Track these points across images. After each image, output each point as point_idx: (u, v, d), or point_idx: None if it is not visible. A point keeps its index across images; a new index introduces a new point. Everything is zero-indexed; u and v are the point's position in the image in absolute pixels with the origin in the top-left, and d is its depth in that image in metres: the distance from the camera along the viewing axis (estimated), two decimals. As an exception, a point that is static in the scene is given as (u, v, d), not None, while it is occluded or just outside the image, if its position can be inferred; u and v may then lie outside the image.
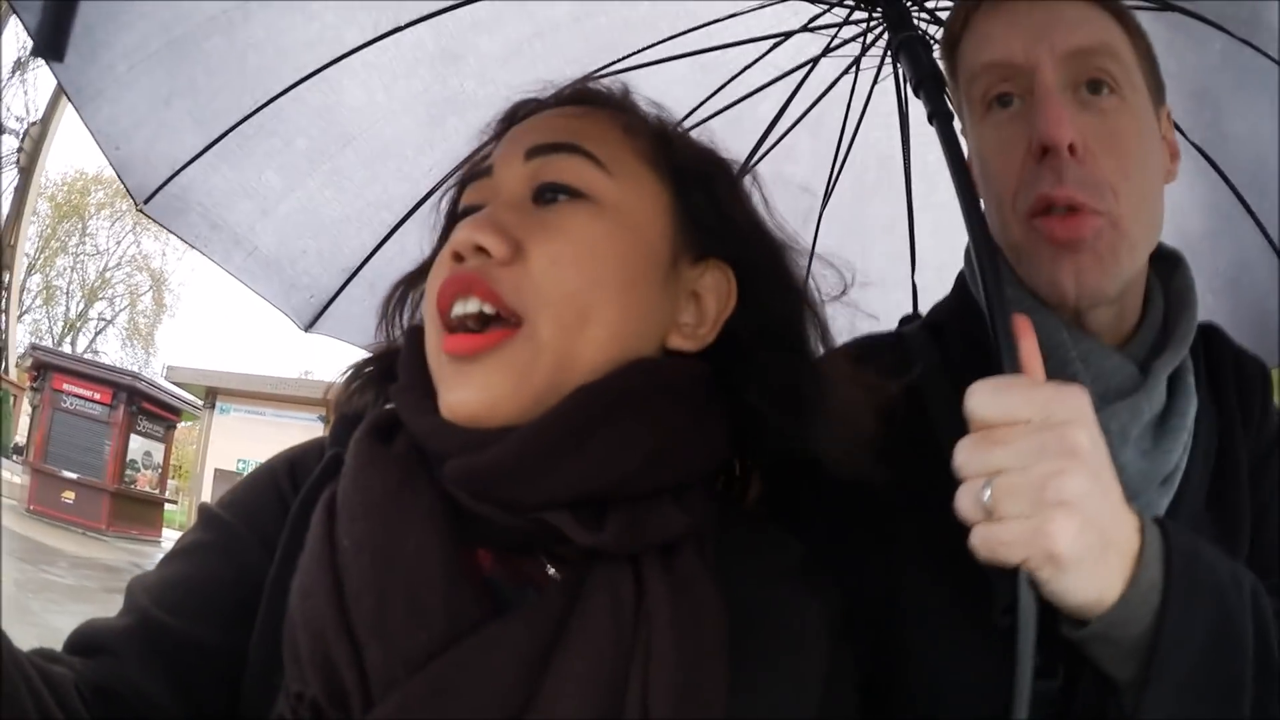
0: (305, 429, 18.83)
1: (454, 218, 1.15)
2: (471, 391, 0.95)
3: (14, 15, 1.48)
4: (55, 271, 38.31)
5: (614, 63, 2.01)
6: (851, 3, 1.85)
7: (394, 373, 1.11)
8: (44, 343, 33.35)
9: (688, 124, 1.98)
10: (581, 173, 1.03)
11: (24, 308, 34.99)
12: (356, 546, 0.88)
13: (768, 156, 2.24)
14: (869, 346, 1.37)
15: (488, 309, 0.96)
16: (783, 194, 2.11)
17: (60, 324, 38.53)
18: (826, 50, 2.01)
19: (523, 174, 1.05)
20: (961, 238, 1.26)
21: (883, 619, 1.20)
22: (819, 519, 1.19)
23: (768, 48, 2.06)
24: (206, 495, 18.63)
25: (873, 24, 1.91)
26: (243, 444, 18.98)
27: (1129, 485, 1.08)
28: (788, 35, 2.03)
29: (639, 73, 1.97)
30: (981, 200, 1.31)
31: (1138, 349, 1.29)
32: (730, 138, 1.94)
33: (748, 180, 1.20)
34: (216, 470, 18.96)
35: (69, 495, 19.51)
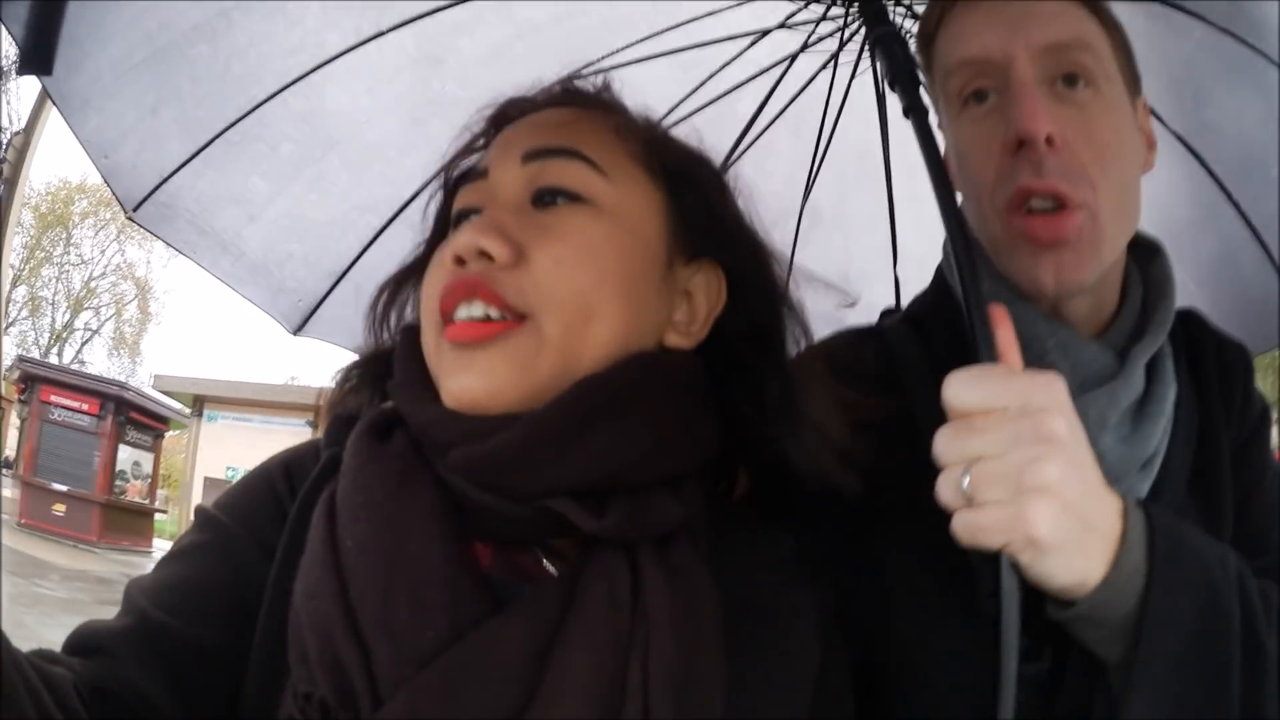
0: (293, 434, 18.76)
1: (446, 219, 1.17)
2: (475, 377, 0.96)
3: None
4: (40, 282, 38.16)
5: (595, 62, 2.00)
6: (826, 0, 1.86)
7: (388, 373, 1.12)
8: (31, 354, 33.24)
9: (669, 121, 2.02)
10: (579, 177, 1.05)
11: (10, 320, 34.84)
12: (359, 547, 0.90)
13: (749, 152, 2.26)
14: (851, 340, 1.39)
15: (493, 312, 0.97)
16: (765, 189, 2.13)
17: (47, 335, 38.38)
18: (804, 46, 2.03)
19: (520, 177, 1.06)
20: (942, 230, 1.27)
21: (870, 607, 1.22)
22: (804, 512, 1.20)
23: (747, 44, 2.07)
24: (196, 504, 18.56)
25: (849, 19, 1.93)
26: (231, 451, 18.93)
27: (1109, 470, 1.10)
28: (765, 33, 2.04)
29: (620, 71, 1.99)
30: (960, 195, 1.33)
31: (1116, 337, 1.30)
32: (711, 134, 1.96)
33: (731, 182, 1.22)
34: (206, 478, 18.90)
35: (59, 508, 19.43)
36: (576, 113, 1.15)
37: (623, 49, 2.04)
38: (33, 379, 20.93)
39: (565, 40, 2.00)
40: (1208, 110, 1.98)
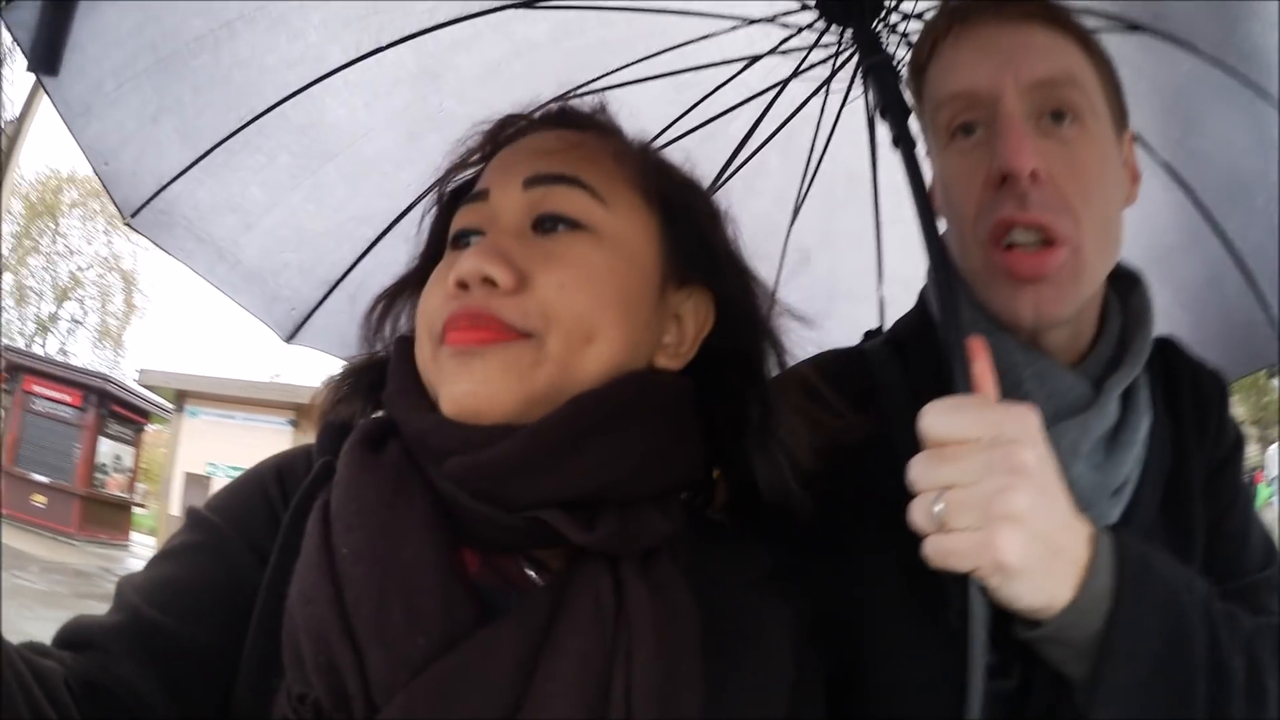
0: (275, 432, 18.62)
1: (440, 233, 1.20)
2: (474, 383, 0.98)
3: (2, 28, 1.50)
4: (27, 271, 37.84)
5: (591, 81, 2.03)
6: (821, 26, 1.88)
7: (379, 382, 1.15)
8: (15, 343, 32.98)
9: (661, 141, 2.03)
10: (580, 205, 1.08)
11: (-3, 308, 34.62)
12: (354, 555, 0.92)
13: (739, 172, 2.28)
14: (834, 362, 1.41)
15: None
16: (754, 208, 2.15)
17: (32, 324, 38.08)
18: (796, 72, 2.05)
19: (521, 202, 1.09)
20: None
21: (843, 623, 1.25)
22: (781, 528, 1.23)
23: (740, 68, 2.09)
24: (176, 499, 18.42)
25: (842, 47, 1.94)
26: (212, 447, 18.74)
27: (1081, 497, 1.14)
28: (754, 59, 2.07)
29: (615, 91, 2.01)
30: (944, 224, 1.35)
31: (1092, 366, 1.33)
32: (703, 154, 1.99)
33: (722, 210, 1.24)
34: (186, 474, 18.72)
35: (39, 499, 19.33)
36: (575, 136, 1.17)
37: (618, 69, 2.06)
38: (16, 368, 20.76)
39: (562, 60, 2.02)
40: (1195, 139, 2.01)
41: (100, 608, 1.03)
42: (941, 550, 1.02)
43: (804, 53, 1.99)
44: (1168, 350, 1.46)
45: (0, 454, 19.16)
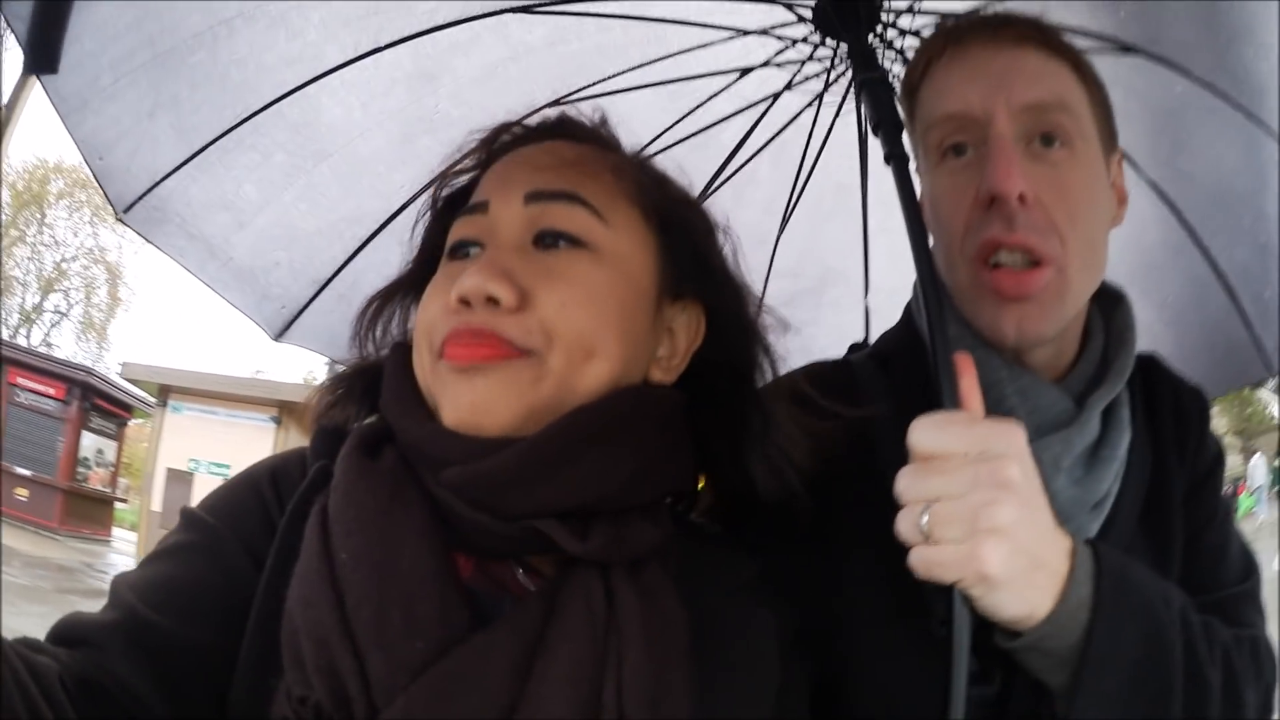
0: (257, 429, 18.57)
1: (434, 238, 1.21)
2: (477, 398, 1.00)
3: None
4: (12, 261, 37.61)
5: (585, 87, 2.05)
6: (816, 39, 1.89)
7: (372, 387, 1.16)
8: (-1, 335, 32.85)
9: (654, 148, 2.04)
10: (581, 222, 1.09)
11: (-21, 300, 34.43)
12: (354, 560, 0.93)
13: (729, 181, 2.30)
14: (820, 373, 1.42)
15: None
16: (743, 216, 2.16)
17: (16, 315, 37.87)
18: (789, 85, 2.07)
19: (522, 216, 1.09)
20: (914, 264, 1.31)
21: (828, 630, 1.25)
22: (768, 536, 1.25)
23: (734, 78, 2.10)
24: (158, 495, 18.35)
25: (837, 61, 1.96)
26: (195, 443, 18.65)
27: (1061, 510, 1.17)
28: (746, 71, 2.08)
29: (609, 98, 2.02)
30: (931, 240, 1.37)
31: (1075, 383, 1.35)
32: (694, 162, 2.00)
33: (718, 226, 1.25)
34: (168, 469, 18.65)
35: (22, 493, 19.23)
36: (574, 149, 1.18)
37: (613, 76, 2.07)
38: (0, 360, 20.67)
39: (558, 64, 2.04)
40: (1184, 159, 2.03)
41: (83, 603, 1.03)
42: (927, 561, 1.04)
43: (798, 65, 2.01)
44: (1150, 367, 1.48)
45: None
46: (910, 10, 1.80)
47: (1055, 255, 1.26)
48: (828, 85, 2.05)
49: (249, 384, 20.43)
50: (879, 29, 1.81)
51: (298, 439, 18.13)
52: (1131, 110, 1.75)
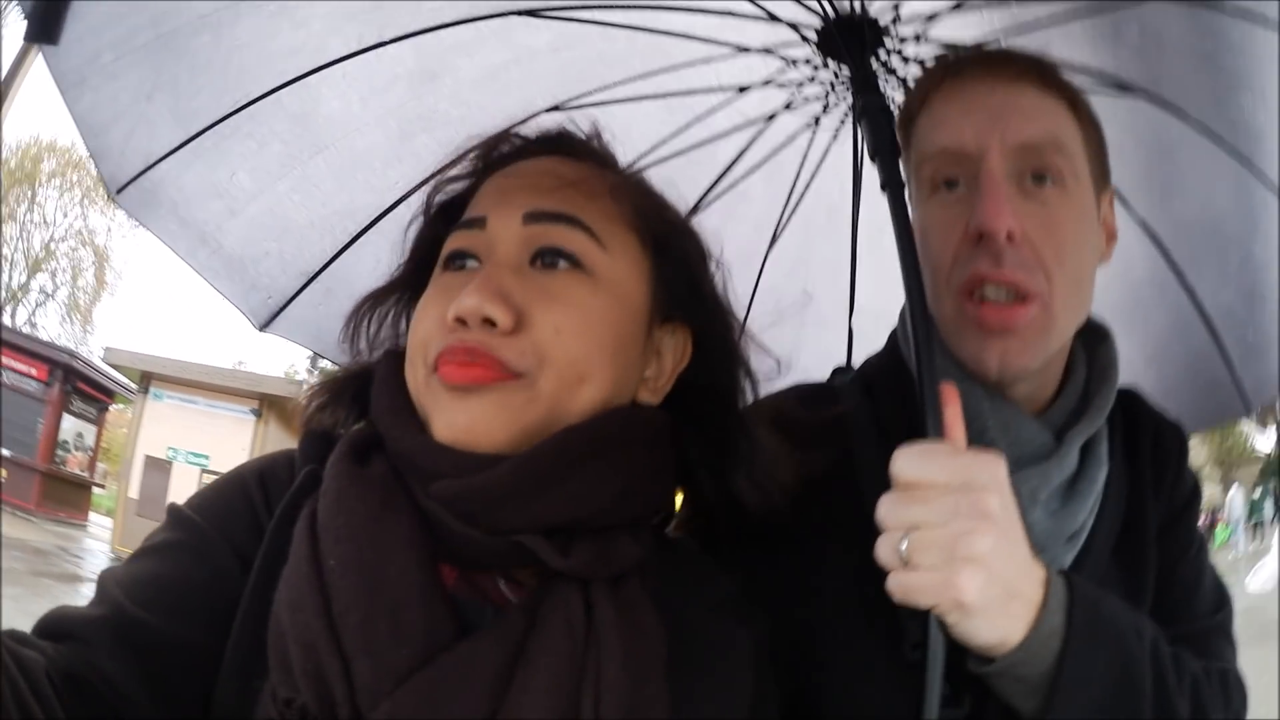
0: (236, 420, 18.57)
1: (426, 244, 1.22)
2: (470, 418, 1.01)
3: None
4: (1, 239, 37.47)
5: (586, 94, 2.06)
6: (818, 61, 1.90)
7: (362, 393, 1.17)
8: (-17, 313, 32.73)
9: (648, 160, 2.04)
10: (580, 245, 1.10)
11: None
12: (342, 567, 0.94)
13: (722, 197, 2.30)
14: (805, 396, 1.44)
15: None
16: (733, 233, 2.16)
17: (3, 293, 37.70)
18: (788, 105, 2.07)
19: (520, 235, 1.10)
20: (900, 287, 1.32)
21: (802, 649, 1.27)
22: (745, 554, 1.28)
23: (734, 94, 2.11)
24: (136, 481, 18.31)
25: (838, 84, 1.97)
26: (174, 432, 18.62)
27: (1036, 541, 1.19)
28: (745, 89, 2.08)
29: (608, 107, 2.03)
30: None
31: (1056, 416, 1.36)
32: (689, 174, 2.01)
33: (710, 253, 1.27)
34: (147, 457, 18.60)
35: (1, 473, 19.14)
36: (573, 168, 1.18)
37: (613, 85, 2.07)
38: (-15, 340, 20.61)
39: (559, 71, 2.04)
40: (1175, 200, 2.05)
41: (57, 587, 1.03)
42: (905, 585, 1.06)
43: (799, 86, 2.02)
44: (1131, 402, 1.50)
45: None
46: (916, 39, 1.81)
47: (1041, 291, 1.27)
48: (827, 108, 2.05)
49: (231, 375, 20.42)
50: (882, 55, 1.81)
51: (277, 431, 18.23)
52: (1126, 149, 1.76)
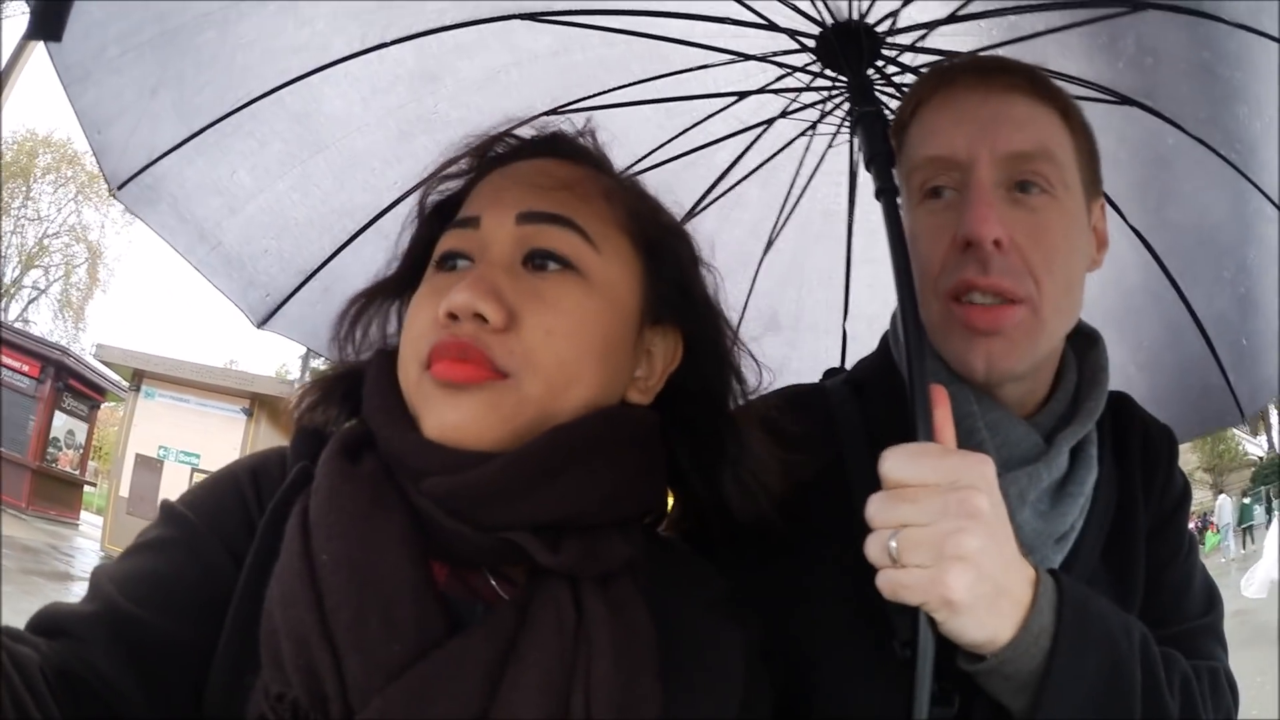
0: (227, 419, 18.46)
1: (421, 244, 1.23)
2: (460, 417, 1.02)
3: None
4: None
5: (585, 98, 2.07)
6: (816, 69, 1.91)
7: (353, 391, 1.18)
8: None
9: (648, 163, 2.06)
10: (573, 247, 1.11)
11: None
12: (334, 563, 0.95)
13: (718, 201, 2.32)
14: (795, 398, 1.44)
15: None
16: (729, 237, 2.17)
17: (-2, 289, 37.59)
18: (784, 113, 2.09)
19: (513, 235, 1.11)
20: (893, 292, 1.33)
21: (792, 646, 1.28)
22: (736, 553, 1.29)
23: (731, 101, 2.12)
24: (126, 480, 18.21)
25: (833, 93, 1.98)
26: (165, 430, 18.49)
27: (1026, 541, 1.21)
28: (743, 95, 2.09)
29: (606, 111, 2.02)
30: None
31: (1046, 420, 1.38)
32: (686, 179, 2.02)
33: (702, 256, 1.28)
34: (137, 455, 18.50)
35: (-6, 471, 19.04)
36: (567, 170, 1.19)
37: (612, 90, 2.08)
38: (-23, 336, 20.52)
39: (559, 74, 2.06)
40: (1170, 209, 2.07)
41: (47, 585, 1.03)
42: (893, 583, 1.07)
43: (796, 93, 2.03)
44: (1121, 406, 1.51)
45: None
46: (912, 48, 1.82)
47: (1029, 295, 1.29)
48: (823, 115, 2.07)
49: (222, 374, 20.32)
50: (880, 63, 1.83)
51: (268, 431, 18.16)
52: (1121, 159, 1.78)
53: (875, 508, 1.10)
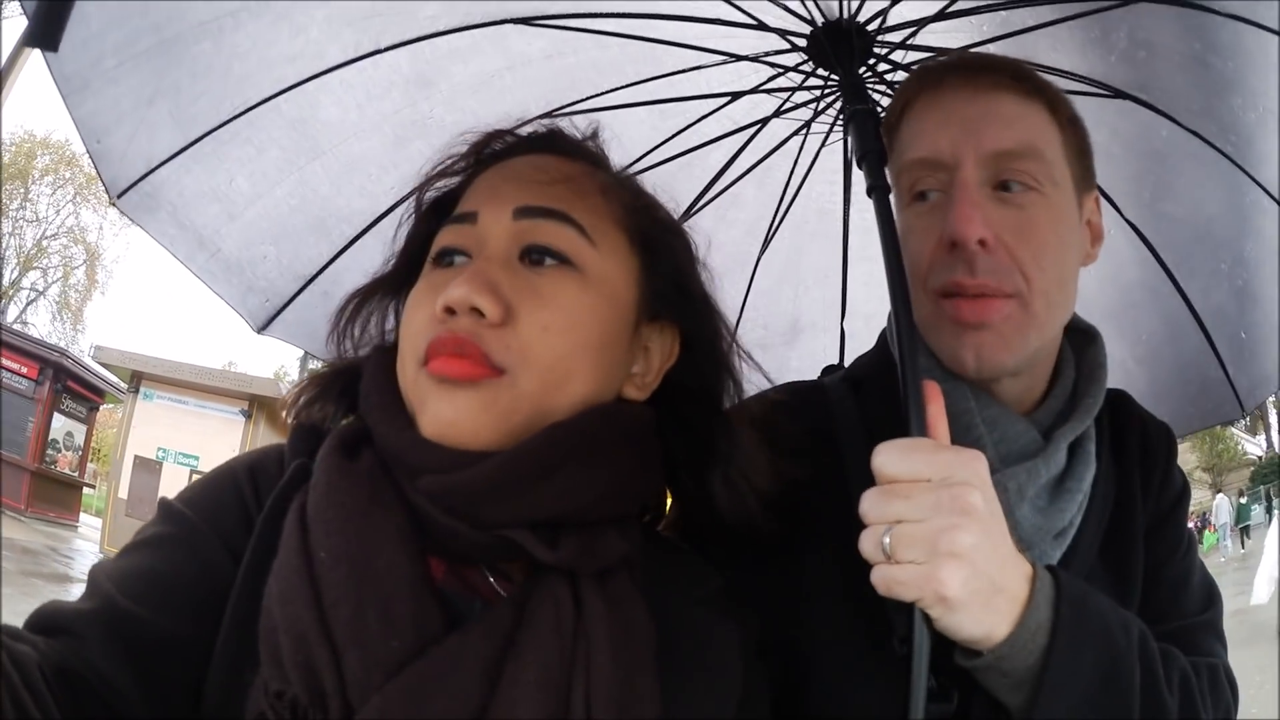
0: (226, 421, 18.40)
1: (418, 241, 1.23)
2: (456, 414, 1.02)
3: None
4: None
5: (579, 101, 2.08)
6: (808, 68, 1.92)
7: (351, 388, 1.17)
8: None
9: (643, 165, 2.06)
10: (570, 242, 1.11)
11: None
12: (333, 559, 0.95)
13: (714, 201, 2.33)
14: (793, 395, 1.46)
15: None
16: (725, 237, 2.18)
17: (-3, 291, 37.50)
18: (778, 112, 2.10)
19: (510, 230, 1.11)
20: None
21: (791, 644, 1.29)
22: (733, 549, 1.29)
23: (725, 102, 2.13)
24: (125, 482, 18.16)
25: (826, 92, 1.99)
26: (164, 432, 18.43)
27: (1024, 538, 1.22)
28: (737, 95, 2.10)
29: (601, 114, 2.03)
30: None
31: (1044, 416, 1.38)
32: (681, 180, 2.02)
33: (697, 251, 1.28)
34: (136, 457, 18.45)
35: (-6, 473, 19.00)
36: (564, 166, 1.19)
37: (606, 92, 2.10)
38: (-23, 338, 20.47)
39: (553, 77, 2.06)
40: (1166, 202, 2.07)
41: (47, 587, 1.02)
42: (888, 579, 1.08)
43: (789, 93, 2.04)
44: (1119, 402, 1.52)
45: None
46: (903, 46, 1.83)
47: (1018, 290, 1.29)
48: (816, 114, 2.08)
49: (220, 375, 20.26)
50: (871, 61, 1.84)
51: (267, 432, 18.13)
52: (1116, 152, 1.79)
53: (869, 503, 1.11)
